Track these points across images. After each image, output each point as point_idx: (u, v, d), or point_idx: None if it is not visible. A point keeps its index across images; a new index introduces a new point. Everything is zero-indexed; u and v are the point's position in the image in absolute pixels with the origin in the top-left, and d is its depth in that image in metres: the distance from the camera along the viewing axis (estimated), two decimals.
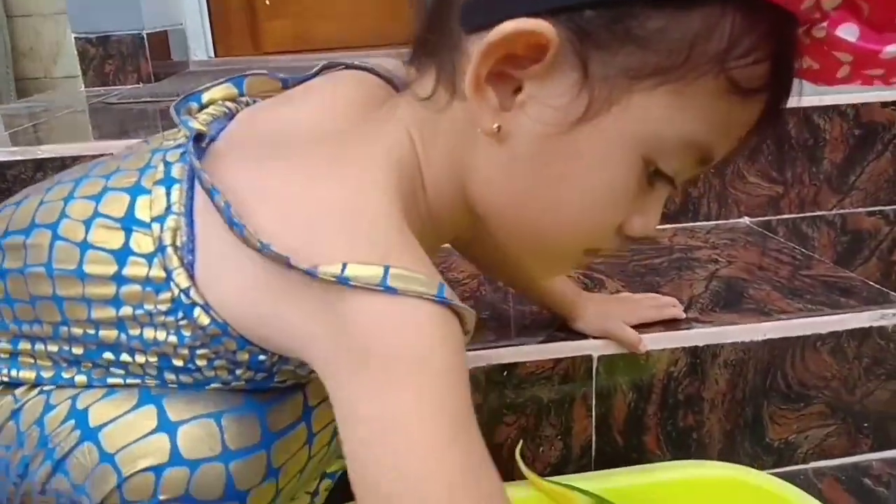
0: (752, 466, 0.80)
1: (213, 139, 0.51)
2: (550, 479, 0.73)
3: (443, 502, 0.39)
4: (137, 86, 1.83)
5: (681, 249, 1.10)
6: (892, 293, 0.92)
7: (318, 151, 0.49)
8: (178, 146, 0.51)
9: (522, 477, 0.75)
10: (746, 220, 1.23)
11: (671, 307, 0.85)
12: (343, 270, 0.41)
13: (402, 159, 0.50)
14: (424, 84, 0.51)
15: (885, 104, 1.21)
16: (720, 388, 0.85)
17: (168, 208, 0.48)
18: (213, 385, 0.51)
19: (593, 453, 0.86)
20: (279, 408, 0.53)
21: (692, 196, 1.20)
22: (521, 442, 0.79)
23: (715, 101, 0.45)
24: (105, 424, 0.49)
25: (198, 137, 0.49)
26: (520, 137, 0.47)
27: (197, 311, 0.47)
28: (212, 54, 2.14)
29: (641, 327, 0.83)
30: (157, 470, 0.48)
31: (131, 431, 0.49)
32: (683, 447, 0.87)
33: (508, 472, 0.83)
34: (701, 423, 0.87)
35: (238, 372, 0.51)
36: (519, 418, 0.83)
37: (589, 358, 0.82)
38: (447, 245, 0.81)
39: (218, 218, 0.45)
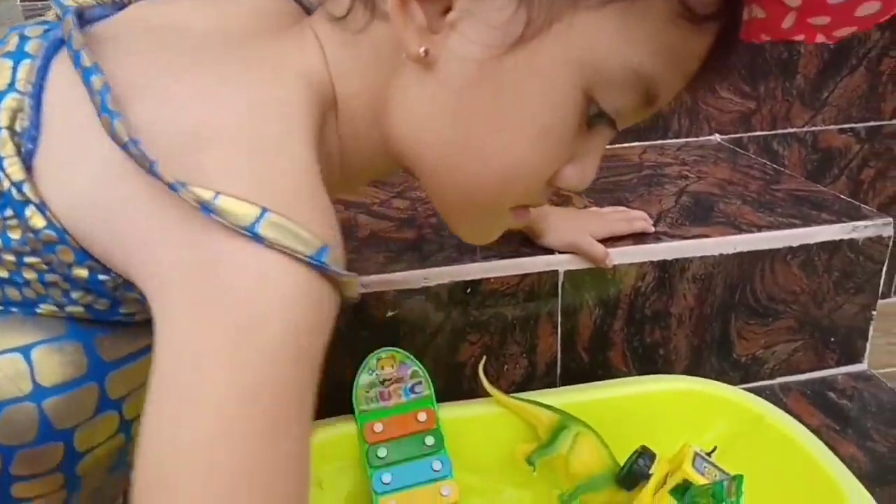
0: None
1: (91, 21, 0.44)
2: (514, 395, 0.71)
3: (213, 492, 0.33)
4: None
5: (650, 166, 1.06)
6: (864, 206, 0.90)
7: (218, 53, 0.42)
8: (44, 23, 0.44)
9: (486, 394, 0.73)
10: (717, 137, 1.19)
11: (640, 220, 0.82)
12: (214, 199, 0.35)
13: (313, 85, 0.43)
14: (340, 1, 0.44)
15: None
16: (688, 304, 0.83)
17: (11, 85, 0.40)
18: (44, 307, 0.43)
19: (558, 371, 0.84)
20: (115, 336, 0.45)
21: (662, 112, 1.16)
22: (483, 358, 0.77)
23: (664, 26, 0.40)
24: None
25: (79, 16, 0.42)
26: (450, 63, 0.42)
27: (29, 211, 0.40)
28: None
29: (609, 242, 0.80)
30: None
31: None
32: (650, 363, 0.85)
33: (472, 391, 0.81)
34: (668, 338, 0.85)
35: (75, 295, 0.43)
36: (483, 336, 0.80)
37: (555, 273, 0.79)
38: None
39: (76, 104, 0.38)
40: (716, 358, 0.87)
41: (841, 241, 0.85)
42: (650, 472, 0.63)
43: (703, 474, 0.57)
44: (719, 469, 0.58)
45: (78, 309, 0.44)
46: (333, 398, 0.79)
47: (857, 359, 0.92)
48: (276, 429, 0.35)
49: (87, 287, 0.43)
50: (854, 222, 0.85)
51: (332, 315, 0.39)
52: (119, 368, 0.45)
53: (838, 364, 0.92)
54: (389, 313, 0.76)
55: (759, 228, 0.84)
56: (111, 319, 0.45)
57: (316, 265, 0.37)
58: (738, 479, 0.51)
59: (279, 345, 0.35)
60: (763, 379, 0.90)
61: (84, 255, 0.41)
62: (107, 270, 0.42)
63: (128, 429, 0.47)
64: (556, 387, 0.83)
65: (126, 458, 0.48)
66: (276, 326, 0.35)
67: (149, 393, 0.35)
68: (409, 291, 0.76)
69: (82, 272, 0.42)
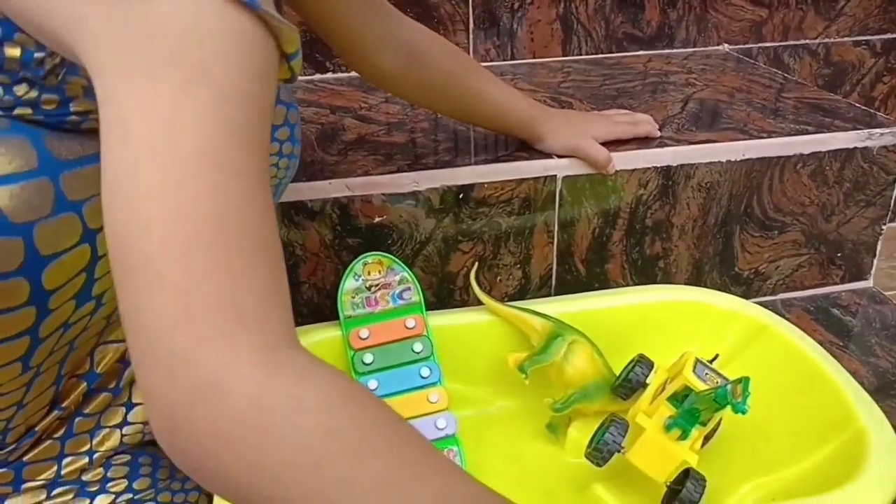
0: None
1: None
2: (507, 303, 0.68)
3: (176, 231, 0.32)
4: None
5: (655, 74, 1.01)
6: (881, 114, 0.85)
7: None
8: None
9: (478, 304, 0.69)
10: (726, 47, 1.13)
11: (646, 123, 0.77)
12: None
13: None
14: None
15: None
16: (691, 214, 0.79)
17: None
18: None
19: (553, 283, 0.80)
20: (67, 139, 0.42)
21: (670, 20, 1.10)
22: (475, 265, 0.73)
23: None
24: None
25: None
26: None
27: None
28: None
29: (612, 146, 0.75)
30: None
31: None
32: (648, 276, 0.82)
33: (464, 303, 0.78)
34: (668, 250, 0.81)
35: (18, 90, 0.40)
36: (476, 245, 0.76)
37: (553, 179, 0.75)
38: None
39: None
40: (717, 272, 0.84)
41: (855, 149, 0.80)
42: (647, 381, 0.60)
43: (703, 380, 0.54)
44: (721, 376, 0.55)
45: (26, 111, 0.41)
46: (319, 306, 0.76)
47: (862, 275, 0.89)
48: (234, 173, 0.33)
49: (23, 71, 0.39)
50: (870, 129, 0.81)
51: (275, 67, 0.37)
52: (73, 169, 0.42)
53: (843, 281, 0.89)
54: (377, 219, 0.72)
55: (770, 134, 0.79)
56: (62, 121, 0.42)
57: (248, 4, 0.34)
58: (743, 381, 0.49)
59: (225, 89, 0.33)
60: (765, 294, 0.87)
61: (10, 26, 0.38)
62: (40, 47, 0.38)
63: (92, 239, 0.44)
64: None
65: (92, 286, 0.46)
66: (218, 70, 0.33)
67: (104, 185, 0.33)
68: (399, 196, 0.72)
69: (14, 51, 0.38)
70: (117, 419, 0.53)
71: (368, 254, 0.66)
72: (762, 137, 0.78)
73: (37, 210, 0.41)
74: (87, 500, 0.50)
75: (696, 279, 0.83)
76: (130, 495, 0.51)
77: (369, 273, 0.66)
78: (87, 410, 0.52)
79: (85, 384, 0.51)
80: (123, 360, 0.52)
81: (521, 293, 0.80)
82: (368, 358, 0.63)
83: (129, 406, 0.53)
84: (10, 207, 0.40)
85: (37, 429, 0.49)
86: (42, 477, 0.50)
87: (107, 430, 0.52)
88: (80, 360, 0.51)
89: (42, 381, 0.48)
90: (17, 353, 0.44)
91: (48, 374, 0.48)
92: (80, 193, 0.43)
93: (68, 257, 0.43)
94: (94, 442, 0.52)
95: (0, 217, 0.40)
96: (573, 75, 1.01)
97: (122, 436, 0.52)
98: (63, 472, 0.50)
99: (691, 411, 0.52)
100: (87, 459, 0.51)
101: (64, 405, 0.51)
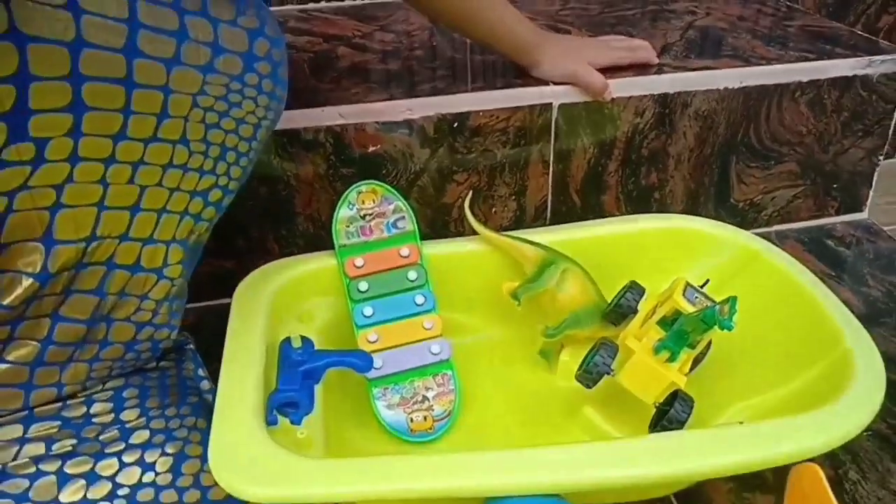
0: None
1: None
2: (501, 233, 0.68)
3: None
4: None
5: (655, 2, 0.99)
6: (882, 41, 0.84)
7: None
8: None
9: (473, 233, 0.70)
10: None
11: (643, 50, 0.76)
12: None
13: None
14: None
15: None
16: (688, 143, 0.79)
17: None
18: None
19: (548, 214, 0.80)
20: None
21: None
22: (469, 193, 0.73)
23: None
24: None
25: None
26: None
27: None
28: None
29: (609, 73, 0.74)
30: None
31: None
32: (644, 207, 0.82)
33: (459, 234, 0.78)
34: (664, 181, 0.81)
35: None
36: (470, 176, 0.76)
37: (548, 107, 0.74)
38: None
39: None
40: (712, 203, 0.84)
41: (854, 76, 0.79)
42: (638, 307, 0.61)
43: (693, 304, 0.54)
44: (710, 299, 0.55)
45: None
46: (315, 237, 0.76)
47: (858, 207, 0.89)
48: None
49: None
50: (870, 56, 0.79)
51: None
52: None
53: (838, 212, 0.89)
54: (371, 148, 0.72)
55: (769, 61, 0.78)
56: None
57: None
58: (731, 300, 0.49)
59: None
60: (760, 226, 0.87)
61: None
62: None
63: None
64: None
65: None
66: None
67: None
68: (392, 124, 0.71)
69: None
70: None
71: (362, 182, 0.66)
72: (761, 65, 0.77)
73: None
74: (73, 431, 0.50)
75: (691, 210, 0.83)
76: (119, 426, 0.51)
77: (363, 202, 0.66)
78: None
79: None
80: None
81: (517, 224, 0.80)
82: (364, 286, 0.64)
83: (104, 344, 0.52)
84: None
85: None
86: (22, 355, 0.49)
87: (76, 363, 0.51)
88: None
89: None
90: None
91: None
92: None
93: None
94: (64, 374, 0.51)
95: None
96: (572, 2, 0.99)
97: (91, 371, 0.52)
98: (31, 401, 0.50)
99: (680, 333, 0.53)
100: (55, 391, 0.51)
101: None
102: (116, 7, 0.42)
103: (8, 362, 0.48)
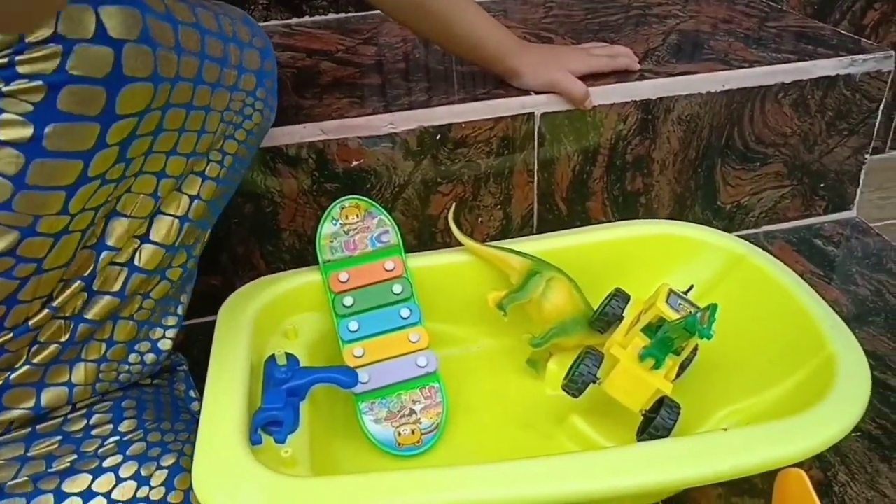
0: None
1: None
2: (486, 243, 0.68)
3: None
4: None
5: (638, 6, 0.99)
6: (865, 40, 0.84)
7: None
8: None
9: (459, 244, 0.70)
10: None
11: (624, 57, 0.76)
12: None
13: None
14: None
15: None
16: (672, 148, 0.79)
17: None
18: None
19: (535, 222, 0.80)
20: None
21: None
22: (453, 205, 0.73)
23: None
24: None
25: None
26: None
27: None
28: None
29: (591, 81, 0.74)
30: None
31: None
32: (630, 213, 0.82)
33: (445, 245, 0.78)
34: (650, 186, 0.81)
35: None
36: (455, 187, 0.76)
37: (531, 116, 0.74)
38: (379, 12, 0.74)
39: None
40: (699, 206, 0.84)
41: (837, 76, 0.79)
42: (623, 314, 0.61)
43: (677, 311, 0.54)
44: (694, 306, 0.56)
45: None
46: (301, 252, 0.76)
47: (845, 206, 0.89)
48: None
49: None
50: (852, 56, 0.79)
51: None
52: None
53: (826, 211, 0.89)
54: (355, 163, 0.72)
55: (751, 64, 0.78)
56: None
57: None
58: (711, 308, 0.49)
59: None
60: (748, 227, 0.87)
61: None
62: None
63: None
64: None
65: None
66: None
67: None
68: (375, 138, 0.71)
69: None
70: (96, 354, 0.53)
71: (345, 197, 0.66)
72: (743, 67, 0.77)
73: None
74: (73, 447, 0.51)
75: (678, 214, 0.84)
76: (118, 437, 0.52)
77: (347, 217, 0.66)
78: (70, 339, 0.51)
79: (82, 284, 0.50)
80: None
81: (503, 234, 0.80)
82: (349, 301, 0.64)
83: (111, 343, 0.54)
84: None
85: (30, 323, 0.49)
86: (22, 405, 0.50)
87: (85, 363, 0.53)
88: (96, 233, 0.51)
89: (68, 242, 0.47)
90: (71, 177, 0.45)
91: (73, 236, 0.47)
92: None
93: (138, 86, 0.45)
94: (73, 372, 0.52)
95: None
96: (555, 10, 0.99)
97: (99, 371, 0.53)
98: (42, 402, 0.51)
99: (664, 340, 0.53)
100: (66, 390, 0.52)
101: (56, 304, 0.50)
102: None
103: (33, 364, 0.50)
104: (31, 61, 0.41)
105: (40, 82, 0.41)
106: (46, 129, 0.42)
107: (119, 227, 0.50)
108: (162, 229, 0.53)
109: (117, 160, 0.46)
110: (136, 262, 0.52)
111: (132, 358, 0.56)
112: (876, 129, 0.85)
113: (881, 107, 0.83)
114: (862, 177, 0.88)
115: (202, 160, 0.54)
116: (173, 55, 0.47)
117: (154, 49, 0.45)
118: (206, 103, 0.52)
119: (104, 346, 0.53)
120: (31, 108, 0.41)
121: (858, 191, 0.89)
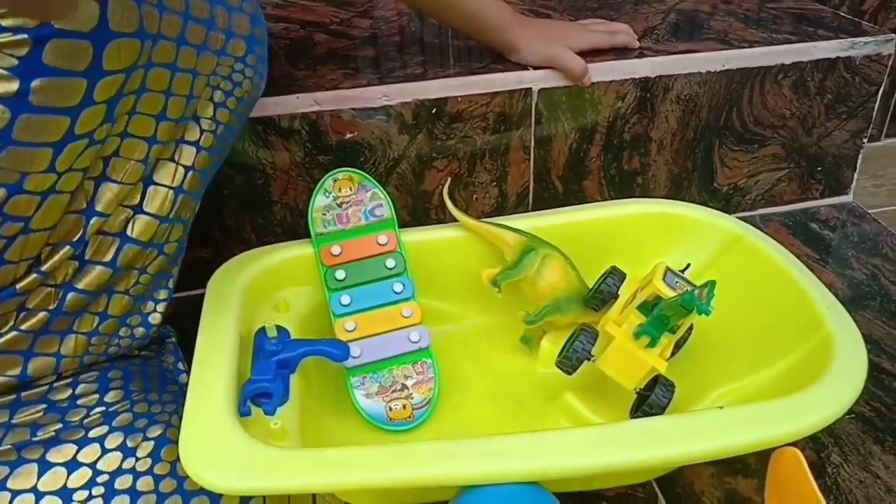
0: None
1: None
2: (481, 219, 0.67)
3: None
4: None
5: None
6: (865, 23, 0.83)
7: None
8: None
9: (453, 219, 0.69)
10: None
11: (624, 34, 0.75)
12: None
13: None
14: None
15: None
16: (670, 127, 0.78)
17: None
18: None
19: (530, 200, 0.79)
20: None
21: None
22: (448, 180, 0.72)
23: None
24: None
25: None
26: None
27: None
28: None
29: (589, 57, 0.73)
30: None
31: None
32: (626, 193, 0.81)
33: (440, 219, 0.77)
34: (647, 165, 0.80)
35: None
36: (450, 163, 0.75)
37: (528, 92, 0.73)
38: None
39: None
40: (696, 187, 0.83)
41: (837, 58, 0.79)
42: (619, 292, 0.60)
43: (673, 289, 0.54)
44: (691, 284, 0.55)
45: None
46: (293, 225, 0.75)
47: (842, 190, 0.89)
48: None
49: None
50: (853, 38, 0.79)
51: None
52: None
53: (823, 195, 0.88)
54: (348, 135, 0.71)
55: (751, 44, 0.77)
56: None
57: None
58: (709, 284, 0.48)
59: None
60: (744, 210, 0.86)
61: None
62: None
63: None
64: None
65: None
66: None
67: None
68: (369, 111, 0.70)
69: None
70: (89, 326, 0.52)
71: (338, 170, 0.65)
72: (743, 47, 0.76)
73: None
74: (58, 416, 0.50)
75: (674, 195, 0.83)
76: (103, 408, 0.51)
77: (340, 189, 0.65)
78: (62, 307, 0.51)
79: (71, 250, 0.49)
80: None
81: (498, 212, 0.79)
82: (341, 274, 0.63)
83: (104, 317, 0.53)
84: None
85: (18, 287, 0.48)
86: (7, 373, 0.50)
87: (76, 335, 0.52)
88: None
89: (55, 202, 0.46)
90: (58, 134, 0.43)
91: (61, 197, 0.46)
92: None
93: (124, 41, 0.44)
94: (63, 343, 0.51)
95: None
96: None
97: (90, 344, 0.52)
98: (29, 370, 0.50)
99: (660, 318, 0.52)
100: (53, 360, 0.51)
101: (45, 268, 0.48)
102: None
103: (21, 331, 0.49)
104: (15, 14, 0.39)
105: (24, 35, 0.39)
106: (33, 84, 0.41)
107: (108, 192, 0.49)
108: (156, 200, 0.52)
109: (105, 119, 0.45)
110: (128, 233, 0.51)
111: (122, 331, 0.55)
112: (875, 113, 0.84)
113: (880, 91, 0.82)
114: (859, 161, 0.87)
115: (194, 128, 0.53)
116: (156, 11, 0.46)
117: (139, 4, 0.44)
118: (192, 66, 0.50)
119: (97, 319, 0.52)
120: (15, 62, 0.40)
121: (855, 175, 0.88)
